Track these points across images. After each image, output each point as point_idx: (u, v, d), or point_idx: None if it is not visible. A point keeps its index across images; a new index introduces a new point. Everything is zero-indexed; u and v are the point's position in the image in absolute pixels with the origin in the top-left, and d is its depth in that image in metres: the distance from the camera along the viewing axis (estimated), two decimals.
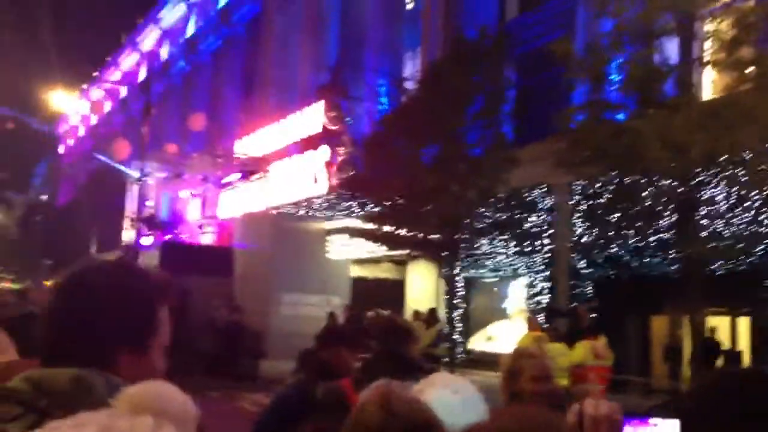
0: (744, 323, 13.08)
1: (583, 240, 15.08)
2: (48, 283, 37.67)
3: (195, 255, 24.71)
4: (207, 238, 28.71)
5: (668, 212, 11.66)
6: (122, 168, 28.58)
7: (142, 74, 42.07)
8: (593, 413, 1.04)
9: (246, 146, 24.72)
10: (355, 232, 19.18)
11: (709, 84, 11.74)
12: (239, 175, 24.92)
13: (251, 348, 18.78)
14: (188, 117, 29.85)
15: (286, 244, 21.65)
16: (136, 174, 27.01)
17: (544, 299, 16.18)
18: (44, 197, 54.87)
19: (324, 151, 21.90)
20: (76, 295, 1.52)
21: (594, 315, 13.63)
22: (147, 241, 27.51)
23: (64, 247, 42.06)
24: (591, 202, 14.54)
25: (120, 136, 29.18)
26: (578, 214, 15.11)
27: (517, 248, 16.79)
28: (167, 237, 27.83)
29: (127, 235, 31.36)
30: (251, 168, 23.78)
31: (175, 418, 1.11)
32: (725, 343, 12.83)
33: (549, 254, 16.14)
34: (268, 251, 22.35)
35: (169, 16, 41.21)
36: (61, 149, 56.39)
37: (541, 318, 14.83)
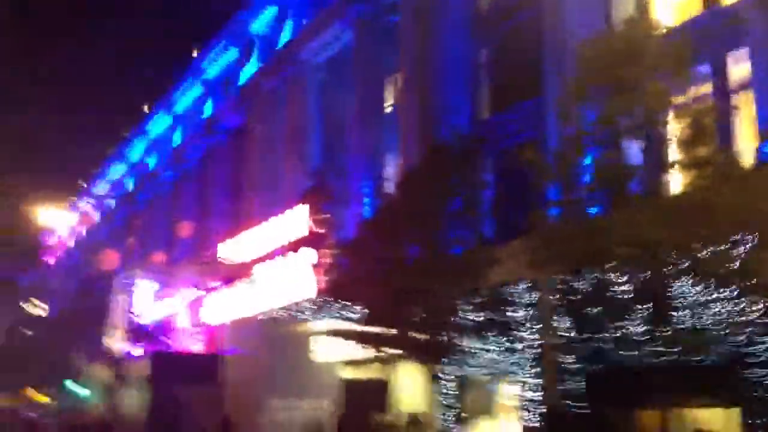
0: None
1: (570, 335, 15.06)
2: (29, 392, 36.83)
3: (184, 364, 24.55)
4: (196, 346, 28.44)
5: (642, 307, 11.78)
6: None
7: (129, 184, 42.67)
8: None
9: (229, 249, 24.87)
10: (340, 334, 19.13)
11: (674, 181, 12.15)
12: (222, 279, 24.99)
13: None
14: (175, 225, 30.15)
15: (274, 349, 21.49)
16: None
17: (536, 396, 15.99)
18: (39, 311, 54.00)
19: (309, 254, 22.06)
20: None
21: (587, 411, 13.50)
22: (137, 351, 27.20)
23: (49, 359, 41.38)
24: (570, 297, 14.64)
25: (107, 247, 29.33)
26: (560, 310, 15.17)
27: (504, 345, 16.72)
28: (156, 347, 27.57)
29: (116, 344, 31.00)
30: (236, 273, 23.88)
31: None
32: None
33: (538, 350, 16.07)
34: (256, 357, 22.18)
35: (156, 127, 42.32)
36: (51, 261, 56.35)
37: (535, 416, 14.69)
